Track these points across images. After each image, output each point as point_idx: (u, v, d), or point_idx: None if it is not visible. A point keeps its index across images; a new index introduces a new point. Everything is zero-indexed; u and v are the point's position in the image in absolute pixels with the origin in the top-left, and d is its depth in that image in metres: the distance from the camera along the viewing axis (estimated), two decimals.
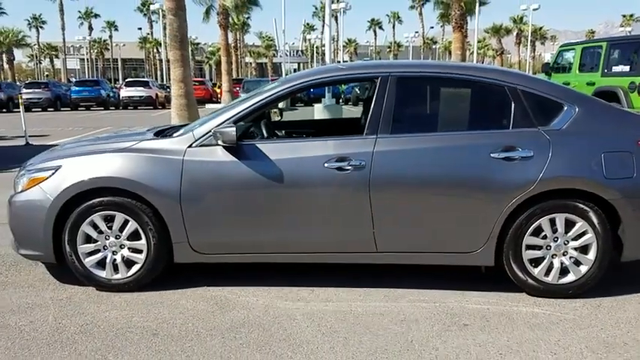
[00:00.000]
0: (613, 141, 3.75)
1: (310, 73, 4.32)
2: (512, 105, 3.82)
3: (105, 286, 3.97)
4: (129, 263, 3.95)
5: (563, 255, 3.76)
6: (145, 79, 38.43)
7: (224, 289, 3.99)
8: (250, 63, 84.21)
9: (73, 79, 52.76)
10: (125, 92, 33.06)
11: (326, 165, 3.73)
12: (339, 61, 39.27)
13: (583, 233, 3.72)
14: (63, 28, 74.90)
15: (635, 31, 67.94)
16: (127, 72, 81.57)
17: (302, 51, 74.82)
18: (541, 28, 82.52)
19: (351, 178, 3.72)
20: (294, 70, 47.47)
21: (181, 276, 4.20)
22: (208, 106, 30.74)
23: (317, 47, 66.54)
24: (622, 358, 3.03)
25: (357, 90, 31.02)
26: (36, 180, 3.95)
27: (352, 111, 23.30)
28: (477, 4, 31.94)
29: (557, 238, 3.74)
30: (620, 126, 3.85)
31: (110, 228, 3.90)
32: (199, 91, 28.74)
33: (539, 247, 3.77)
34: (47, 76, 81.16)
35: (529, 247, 3.76)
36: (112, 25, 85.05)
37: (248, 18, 53.08)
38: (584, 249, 3.75)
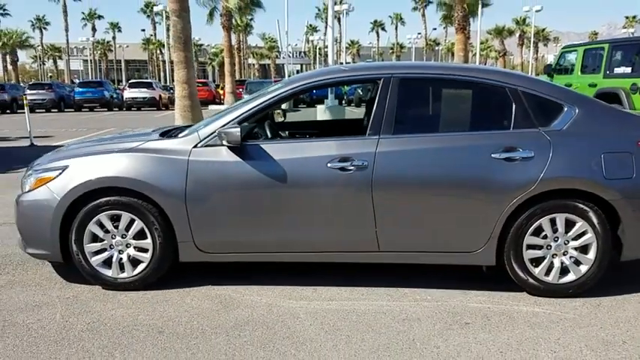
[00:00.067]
0: (613, 142, 3.78)
1: (313, 75, 4.37)
2: (513, 106, 3.87)
3: (111, 284, 4.02)
4: (135, 262, 4.00)
5: (564, 255, 3.81)
6: (149, 81, 38.54)
7: (228, 288, 4.04)
8: (253, 64, 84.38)
9: (77, 81, 52.95)
10: (129, 93, 33.16)
11: (329, 165, 3.78)
12: (341, 63, 39.30)
13: (583, 233, 3.76)
14: (66, 30, 75.06)
15: (637, 32, 67.86)
16: (130, 73, 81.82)
17: (305, 52, 74.86)
18: (544, 30, 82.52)
19: (353, 178, 3.77)
20: (297, 72, 47.53)
21: (186, 275, 4.26)
22: (211, 107, 30.83)
23: (320, 49, 66.69)
24: (620, 356, 3.07)
25: (359, 91, 31.07)
26: (43, 180, 4.00)
27: (355, 112, 23.34)
28: (480, 6, 31.94)
29: (558, 237, 3.79)
30: (620, 127, 3.89)
31: (116, 227, 3.95)
32: (202, 93, 28.80)
33: (540, 247, 3.81)
34: (51, 77, 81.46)
35: (530, 246, 3.80)
36: (115, 27, 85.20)
37: (251, 19, 53.29)
38: (584, 249, 3.79)
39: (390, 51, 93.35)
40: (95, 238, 3.98)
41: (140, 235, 3.95)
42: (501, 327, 3.42)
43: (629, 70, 10.80)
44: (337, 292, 3.97)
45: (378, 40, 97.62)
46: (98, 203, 3.90)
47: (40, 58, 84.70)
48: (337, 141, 3.91)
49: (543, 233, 3.78)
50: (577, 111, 3.86)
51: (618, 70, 11.04)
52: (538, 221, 3.76)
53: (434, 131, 4.04)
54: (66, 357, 3.08)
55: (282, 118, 5.80)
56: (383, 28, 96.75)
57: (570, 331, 3.36)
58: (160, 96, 33.27)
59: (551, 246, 3.80)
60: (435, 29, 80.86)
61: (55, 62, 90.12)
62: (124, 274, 4.01)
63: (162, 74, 68.62)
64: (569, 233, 3.77)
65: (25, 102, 14.42)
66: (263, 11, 37.33)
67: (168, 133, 4.43)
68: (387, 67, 4.34)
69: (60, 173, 3.96)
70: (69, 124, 21.26)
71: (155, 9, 51.56)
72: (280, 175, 3.80)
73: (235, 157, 3.85)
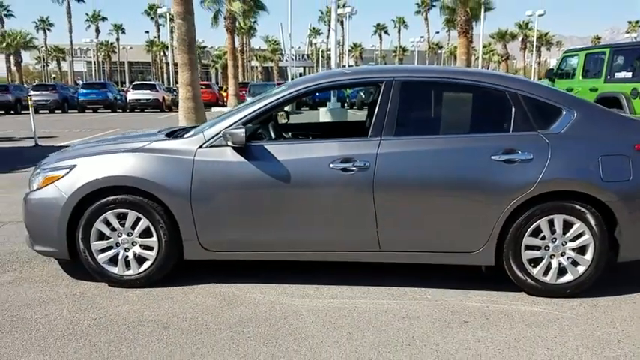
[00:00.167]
0: (610, 145, 3.85)
1: (316, 77, 4.44)
2: (513, 109, 3.94)
3: (117, 281, 4.10)
4: (140, 260, 4.08)
5: (561, 255, 3.87)
6: (152, 82, 38.64)
7: (232, 286, 4.11)
8: (256, 67, 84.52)
9: (80, 82, 53.10)
10: (132, 95, 33.31)
11: (331, 166, 3.85)
12: (344, 66, 39.38)
13: (580, 234, 3.82)
14: (70, 31, 75.42)
15: None
16: (134, 75, 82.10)
17: (308, 55, 75.08)
18: (547, 34, 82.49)
19: (355, 179, 3.84)
20: (300, 74, 47.67)
21: (191, 273, 4.33)
22: (214, 109, 30.99)
23: (323, 51, 66.76)
24: (615, 353, 3.14)
25: (362, 94, 31.14)
26: (51, 178, 4.08)
27: (357, 115, 23.40)
28: (483, 10, 32.03)
29: (556, 238, 3.85)
30: (617, 131, 3.96)
31: (123, 225, 4.03)
32: (206, 95, 28.90)
33: (538, 248, 3.88)
34: (54, 78, 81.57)
35: (528, 247, 3.87)
36: (119, 28, 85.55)
37: (255, 22, 53.36)
38: (581, 249, 3.86)
39: (393, 54, 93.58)
40: (102, 236, 4.06)
41: (146, 233, 4.03)
42: (499, 325, 3.49)
43: (629, 74, 10.87)
44: (339, 291, 4.04)
45: (380, 43, 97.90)
46: (105, 202, 3.97)
47: (43, 59, 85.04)
48: (339, 142, 3.99)
49: (542, 234, 3.85)
50: (575, 115, 3.93)
51: (619, 75, 11.10)
52: (536, 222, 3.82)
53: (435, 133, 4.11)
54: (74, 350, 3.15)
55: (286, 120, 5.88)
56: (386, 32, 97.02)
57: (567, 329, 3.43)
58: (164, 97, 33.40)
59: (549, 247, 3.87)
60: (437, 33, 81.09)
61: (58, 63, 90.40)
62: (130, 272, 4.08)
63: (165, 76, 68.82)
64: (567, 234, 3.84)
65: (29, 103, 14.52)
66: (267, 14, 37.50)
67: (173, 134, 4.51)
68: (389, 70, 4.42)
69: (68, 172, 4.04)
70: (73, 125, 21.37)
71: (159, 11, 51.66)
72: (283, 175, 3.88)
73: (240, 158, 3.92)
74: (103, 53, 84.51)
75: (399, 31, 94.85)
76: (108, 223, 4.03)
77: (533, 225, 3.83)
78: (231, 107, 26.28)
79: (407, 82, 4.07)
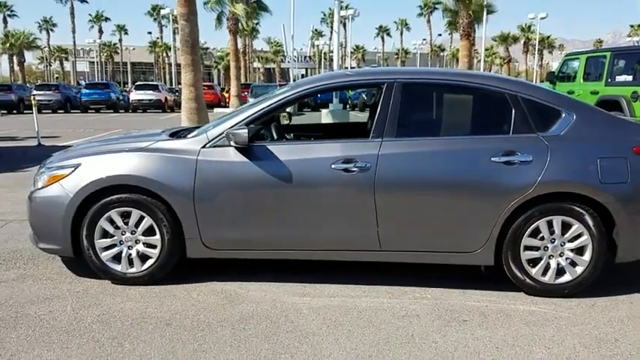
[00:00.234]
0: (609, 147, 3.89)
1: (318, 79, 4.49)
2: (513, 111, 3.98)
3: (120, 279, 4.14)
4: (143, 258, 4.13)
5: (560, 256, 3.91)
6: (155, 83, 38.75)
7: (234, 284, 4.15)
8: (258, 68, 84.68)
9: (83, 82, 53.21)
10: (135, 95, 33.36)
11: (333, 166, 3.89)
12: (346, 67, 39.44)
13: (579, 235, 3.86)
14: (73, 31, 75.54)
15: None
16: (137, 75, 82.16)
17: (310, 57, 75.04)
18: (549, 37, 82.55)
19: (356, 179, 3.88)
20: (302, 76, 47.71)
21: (193, 271, 4.38)
22: (217, 110, 31.04)
23: (325, 53, 66.84)
24: (612, 353, 3.18)
25: (364, 96, 31.18)
26: (56, 177, 4.13)
27: (359, 116, 23.46)
28: (485, 13, 32.05)
29: (554, 239, 3.89)
30: (616, 133, 4.00)
31: (126, 224, 4.08)
32: (208, 96, 28.91)
33: (537, 248, 3.92)
34: (57, 78, 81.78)
35: (527, 247, 3.91)
36: (122, 29, 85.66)
37: (257, 24, 53.53)
38: (579, 250, 3.90)
39: (395, 56, 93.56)
40: (105, 234, 4.10)
41: (149, 231, 4.07)
42: (498, 324, 3.53)
43: (630, 78, 10.91)
44: (339, 290, 4.08)
45: (383, 45, 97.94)
46: (109, 200, 4.02)
47: (46, 60, 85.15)
48: (341, 143, 4.03)
49: (540, 235, 3.89)
50: (574, 117, 3.97)
51: (620, 78, 11.14)
52: (535, 223, 3.86)
53: (435, 135, 4.16)
54: (77, 346, 3.20)
55: (288, 121, 5.92)
56: (388, 34, 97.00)
57: (565, 329, 3.47)
58: (166, 98, 33.46)
59: (547, 247, 3.91)
60: (440, 35, 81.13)
61: (61, 64, 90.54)
62: (133, 269, 4.13)
63: (167, 77, 69.00)
64: (566, 235, 3.88)
65: (33, 102, 14.58)
66: (269, 15, 37.58)
67: (177, 134, 4.56)
68: (390, 72, 4.47)
69: (73, 171, 4.09)
70: (75, 125, 21.44)
71: (162, 12, 51.89)
72: (285, 175, 3.92)
73: (242, 158, 3.97)
74: (105, 54, 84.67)
75: (402, 34, 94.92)
76: (112, 222, 4.07)
77: (533, 226, 3.87)
78: (233, 108, 26.37)
79: (408, 84, 4.12)
